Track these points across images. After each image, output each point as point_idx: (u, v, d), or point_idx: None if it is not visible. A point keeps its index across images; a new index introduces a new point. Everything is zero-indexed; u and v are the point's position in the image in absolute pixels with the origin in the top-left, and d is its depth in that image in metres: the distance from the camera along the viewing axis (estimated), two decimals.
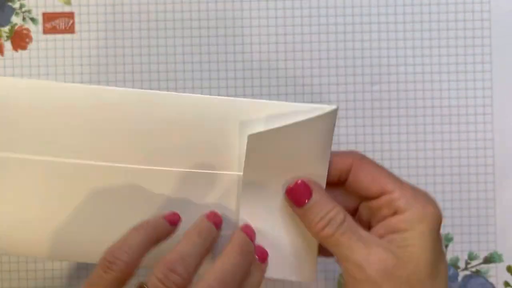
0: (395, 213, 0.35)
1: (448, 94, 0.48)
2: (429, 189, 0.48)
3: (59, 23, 0.48)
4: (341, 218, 0.35)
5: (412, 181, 0.48)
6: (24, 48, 0.48)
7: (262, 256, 0.36)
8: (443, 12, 0.48)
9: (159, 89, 0.48)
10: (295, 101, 0.48)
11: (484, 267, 0.48)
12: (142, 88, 0.48)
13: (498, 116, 0.48)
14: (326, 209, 0.35)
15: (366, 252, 0.34)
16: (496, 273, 0.48)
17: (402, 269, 0.34)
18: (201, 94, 0.45)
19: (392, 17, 0.48)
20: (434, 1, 0.48)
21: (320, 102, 0.48)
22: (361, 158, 0.37)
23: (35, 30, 0.48)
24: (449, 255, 0.48)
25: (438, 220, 0.35)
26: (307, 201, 0.35)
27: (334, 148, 0.48)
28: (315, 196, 0.35)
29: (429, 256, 0.34)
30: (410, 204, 0.35)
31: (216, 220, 0.35)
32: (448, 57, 0.48)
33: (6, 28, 0.48)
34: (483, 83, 0.48)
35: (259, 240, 0.36)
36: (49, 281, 0.48)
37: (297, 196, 0.35)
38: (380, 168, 0.37)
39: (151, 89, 0.48)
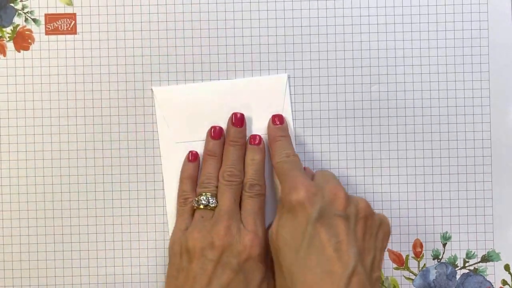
0: None
1: (446, 94, 0.48)
2: (427, 189, 0.48)
3: (61, 24, 0.48)
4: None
5: (410, 181, 0.48)
6: (26, 49, 0.48)
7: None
8: (441, 13, 0.48)
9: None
10: (295, 101, 0.48)
11: (482, 265, 0.49)
12: (143, 88, 0.48)
13: (496, 116, 0.48)
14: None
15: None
16: (494, 272, 0.49)
17: (273, 237, 0.42)
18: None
19: (391, 18, 0.48)
20: (432, 2, 0.48)
21: (320, 102, 0.48)
22: None
23: (38, 31, 0.48)
24: (447, 254, 0.49)
25: (291, 204, 0.41)
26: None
27: (333, 147, 0.48)
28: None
29: (284, 231, 0.41)
30: (282, 194, 0.43)
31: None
32: (446, 57, 0.48)
33: (9, 29, 0.48)
34: (481, 83, 0.48)
35: None
36: None
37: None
38: None
39: (151, 87, 0.48)
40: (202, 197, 0.45)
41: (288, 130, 0.48)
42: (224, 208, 0.45)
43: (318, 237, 0.39)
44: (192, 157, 0.48)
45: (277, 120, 0.47)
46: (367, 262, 0.40)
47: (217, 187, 0.46)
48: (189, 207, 0.46)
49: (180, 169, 0.48)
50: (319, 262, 0.38)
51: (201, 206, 0.45)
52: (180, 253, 0.44)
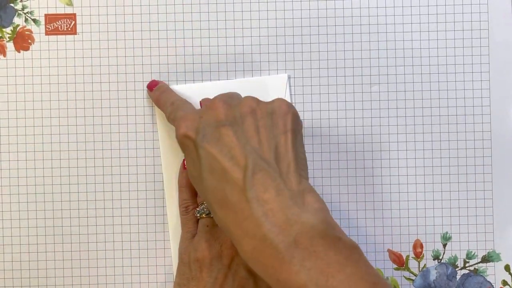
0: None
1: (446, 94, 0.48)
2: (428, 189, 0.48)
3: (61, 24, 0.48)
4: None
5: (411, 181, 0.48)
6: (26, 49, 0.48)
7: None
8: (441, 13, 0.48)
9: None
10: (295, 101, 0.48)
11: (482, 266, 0.49)
12: (143, 88, 0.48)
13: (496, 116, 0.48)
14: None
15: None
16: (494, 272, 0.49)
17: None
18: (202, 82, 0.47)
19: (391, 18, 0.48)
20: (432, 2, 0.48)
21: (320, 102, 0.48)
22: None
23: (38, 31, 0.48)
24: (447, 254, 0.49)
25: (179, 141, 0.40)
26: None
27: (333, 147, 0.48)
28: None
29: (189, 170, 0.40)
30: None
31: None
32: (446, 57, 0.48)
33: (9, 29, 0.48)
34: (481, 83, 0.48)
35: None
36: None
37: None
38: None
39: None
40: (202, 206, 0.45)
41: (166, 86, 0.47)
42: None
43: (210, 155, 0.37)
44: None
45: (151, 85, 0.47)
46: (268, 154, 0.36)
47: None
48: (191, 215, 0.46)
49: (179, 169, 0.48)
50: (219, 177, 0.36)
51: (204, 216, 0.45)
52: (189, 263, 0.44)
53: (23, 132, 0.48)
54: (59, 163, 0.48)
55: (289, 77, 0.48)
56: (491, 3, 0.48)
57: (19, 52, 0.48)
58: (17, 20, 0.48)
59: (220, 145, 0.37)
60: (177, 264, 0.46)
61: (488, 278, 0.48)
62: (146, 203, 0.48)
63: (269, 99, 0.48)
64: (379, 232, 0.48)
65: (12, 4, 0.48)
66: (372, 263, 0.48)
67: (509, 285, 0.48)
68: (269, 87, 0.48)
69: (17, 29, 0.48)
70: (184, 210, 0.46)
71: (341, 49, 0.48)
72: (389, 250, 0.48)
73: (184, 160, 0.47)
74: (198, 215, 0.45)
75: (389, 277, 0.48)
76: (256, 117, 0.38)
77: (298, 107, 0.48)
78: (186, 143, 0.39)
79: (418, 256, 0.49)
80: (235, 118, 0.38)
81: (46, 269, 0.48)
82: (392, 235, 0.48)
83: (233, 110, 0.38)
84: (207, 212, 0.45)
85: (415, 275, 0.49)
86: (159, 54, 0.48)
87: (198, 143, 0.38)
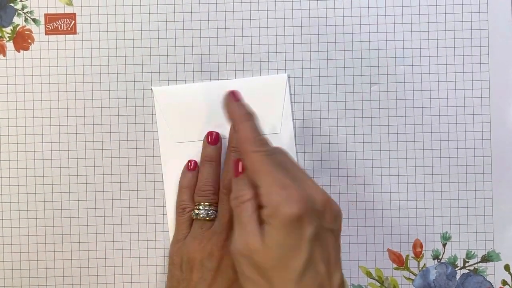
0: (261, 206, 0.37)
1: (446, 94, 0.48)
2: (427, 189, 0.48)
3: (61, 24, 0.48)
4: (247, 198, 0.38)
5: (410, 181, 0.48)
6: (26, 49, 0.48)
7: None
8: (441, 13, 0.48)
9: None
10: (295, 101, 0.48)
11: (482, 265, 0.49)
12: (143, 88, 0.48)
13: (496, 116, 0.48)
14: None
15: (240, 233, 0.38)
16: (494, 272, 0.49)
17: (256, 254, 0.36)
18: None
19: (391, 18, 0.48)
20: (432, 2, 0.48)
21: (320, 102, 0.48)
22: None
23: (37, 31, 0.48)
24: (447, 254, 0.49)
25: (288, 219, 0.36)
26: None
27: (333, 147, 0.48)
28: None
29: (275, 249, 0.36)
30: (269, 201, 0.36)
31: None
32: (446, 57, 0.48)
33: (8, 29, 0.48)
34: (481, 83, 0.48)
35: None
36: None
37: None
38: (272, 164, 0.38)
39: (151, 87, 0.48)
40: (200, 208, 0.45)
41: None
42: (224, 222, 0.44)
43: (314, 255, 0.36)
44: (192, 166, 0.48)
45: (234, 95, 0.42)
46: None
47: (214, 194, 0.46)
48: (187, 217, 0.46)
49: (180, 169, 0.48)
50: (314, 281, 0.36)
51: (200, 218, 0.45)
52: (180, 264, 0.44)
53: (23, 132, 0.48)
54: (59, 163, 0.48)
55: (289, 77, 0.48)
56: (491, 3, 0.48)
57: (19, 52, 0.48)
58: (17, 20, 0.48)
59: (323, 249, 0.37)
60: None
61: (487, 278, 0.49)
62: (146, 203, 0.48)
63: (269, 99, 0.48)
64: (379, 232, 0.48)
65: (12, 4, 0.48)
66: (372, 263, 0.48)
67: (508, 284, 0.49)
68: (269, 87, 0.48)
69: (17, 29, 0.48)
70: (182, 211, 0.46)
71: (341, 49, 0.48)
72: (388, 250, 0.48)
73: (189, 161, 0.47)
74: (194, 216, 0.45)
75: (388, 277, 0.49)
76: (335, 233, 0.39)
77: (298, 107, 0.48)
78: (293, 225, 0.36)
79: (418, 255, 0.49)
80: (335, 226, 0.38)
81: (46, 269, 0.48)
82: (391, 235, 0.48)
83: (335, 218, 0.38)
84: (204, 215, 0.45)
85: (415, 275, 0.49)
86: (159, 54, 0.48)
87: (309, 237, 0.36)
